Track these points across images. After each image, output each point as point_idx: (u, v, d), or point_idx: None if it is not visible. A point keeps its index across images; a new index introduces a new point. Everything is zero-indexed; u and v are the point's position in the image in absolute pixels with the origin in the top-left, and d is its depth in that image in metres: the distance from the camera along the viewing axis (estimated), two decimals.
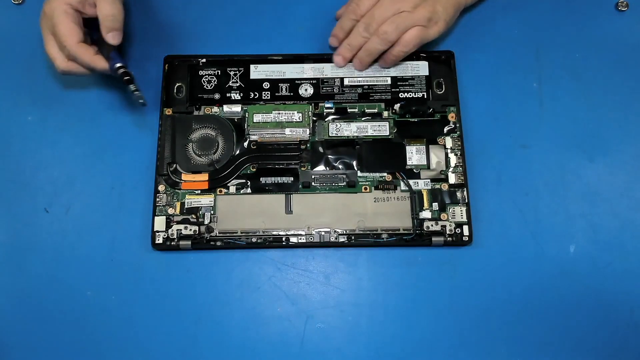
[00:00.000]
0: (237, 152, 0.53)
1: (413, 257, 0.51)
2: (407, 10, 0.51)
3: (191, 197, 0.52)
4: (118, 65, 0.50)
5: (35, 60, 0.57)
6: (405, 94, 0.55)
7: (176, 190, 0.52)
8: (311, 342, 0.49)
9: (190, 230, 0.51)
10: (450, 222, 0.51)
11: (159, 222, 0.51)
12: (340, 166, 0.53)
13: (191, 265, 0.51)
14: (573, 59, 0.57)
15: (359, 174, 0.53)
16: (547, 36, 0.57)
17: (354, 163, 0.53)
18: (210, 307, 0.50)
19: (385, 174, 0.53)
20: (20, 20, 0.58)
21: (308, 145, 0.54)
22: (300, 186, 0.52)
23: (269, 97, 0.55)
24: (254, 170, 0.53)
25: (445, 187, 0.52)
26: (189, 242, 0.51)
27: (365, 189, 0.52)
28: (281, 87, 0.55)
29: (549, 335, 0.49)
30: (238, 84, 0.55)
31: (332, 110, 0.55)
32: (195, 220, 0.51)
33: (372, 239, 0.51)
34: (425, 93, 0.55)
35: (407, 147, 0.53)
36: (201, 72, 0.56)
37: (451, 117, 0.54)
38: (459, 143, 0.53)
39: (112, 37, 0.50)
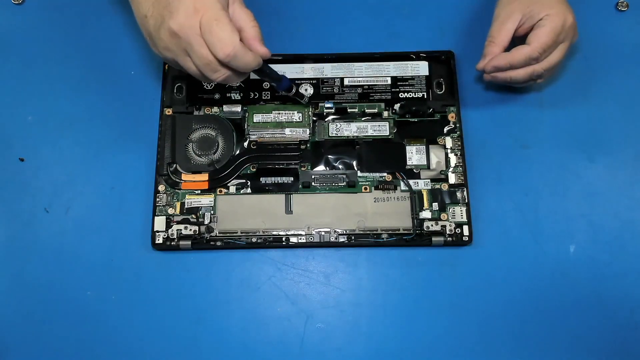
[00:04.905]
0: (237, 152, 0.53)
1: (413, 257, 0.51)
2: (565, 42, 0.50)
3: (191, 197, 0.52)
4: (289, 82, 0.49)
5: (35, 60, 0.57)
6: (405, 94, 0.55)
7: (176, 190, 0.52)
8: (311, 342, 0.49)
9: (190, 230, 0.51)
10: (450, 222, 0.51)
11: (159, 222, 0.51)
12: (340, 166, 0.53)
13: (191, 265, 0.51)
14: (573, 59, 0.57)
15: (359, 174, 0.53)
16: None
17: (354, 163, 0.53)
18: (210, 307, 0.50)
19: (385, 174, 0.53)
20: (20, 20, 0.58)
21: (308, 145, 0.54)
22: (300, 186, 0.52)
23: (269, 97, 0.55)
24: (254, 170, 0.53)
25: (445, 187, 0.52)
26: (189, 242, 0.51)
27: (365, 189, 0.52)
28: None
29: (549, 335, 0.49)
30: (238, 84, 0.55)
31: (332, 110, 0.55)
32: (195, 220, 0.51)
33: (372, 239, 0.51)
34: (425, 93, 0.55)
35: (407, 147, 0.53)
36: None
37: (451, 117, 0.54)
38: (459, 143, 0.53)
39: (265, 49, 0.44)
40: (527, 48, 0.49)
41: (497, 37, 0.51)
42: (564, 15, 0.49)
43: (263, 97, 0.55)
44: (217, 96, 0.55)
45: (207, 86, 0.55)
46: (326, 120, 0.54)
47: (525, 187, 0.53)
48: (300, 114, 0.54)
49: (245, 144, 0.54)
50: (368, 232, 0.51)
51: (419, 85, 0.55)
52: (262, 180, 0.53)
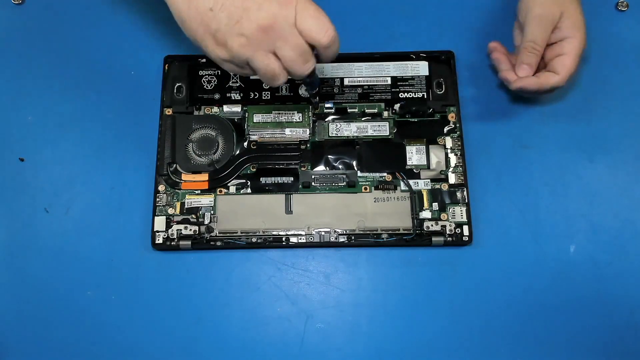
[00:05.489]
0: (237, 152, 0.53)
1: (413, 257, 0.51)
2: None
3: (191, 197, 0.52)
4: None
5: (35, 60, 0.57)
6: (405, 94, 0.55)
7: (176, 190, 0.52)
8: (311, 342, 0.49)
9: (190, 230, 0.51)
10: (450, 222, 0.51)
11: (159, 222, 0.51)
12: (340, 166, 0.53)
13: (191, 265, 0.51)
14: None
15: (359, 174, 0.53)
16: None
17: (354, 163, 0.53)
18: (210, 307, 0.50)
19: (385, 174, 0.53)
20: (20, 20, 0.58)
21: (308, 145, 0.54)
22: (300, 186, 0.52)
23: (268, 97, 0.55)
24: (254, 170, 0.53)
25: (445, 187, 0.52)
26: (189, 242, 0.51)
27: (365, 189, 0.52)
28: (281, 87, 0.55)
29: (549, 335, 0.49)
30: (238, 84, 0.55)
31: (332, 111, 0.55)
32: (195, 220, 0.51)
33: (372, 239, 0.51)
34: (425, 93, 0.55)
35: (407, 147, 0.53)
36: (201, 72, 0.56)
37: (451, 117, 0.54)
38: (459, 143, 0.53)
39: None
40: (557, 78, 0.50)
41: (541, 42, 0.50)
42: (584, 40, 0.50)
43: (263, 97, 0.55)
44: (217, 96, 0.55)
45: (207, 86, 0.55)
46: (326, 120, 0.54)
47: (525, 187, 0.53)
48: (300, 114, 0.54)
49: (245, 144, 0.54)
50: (368, 232, 0.51)
51: (419, 85, 0.55)
52: (262, 180, 0.53)
